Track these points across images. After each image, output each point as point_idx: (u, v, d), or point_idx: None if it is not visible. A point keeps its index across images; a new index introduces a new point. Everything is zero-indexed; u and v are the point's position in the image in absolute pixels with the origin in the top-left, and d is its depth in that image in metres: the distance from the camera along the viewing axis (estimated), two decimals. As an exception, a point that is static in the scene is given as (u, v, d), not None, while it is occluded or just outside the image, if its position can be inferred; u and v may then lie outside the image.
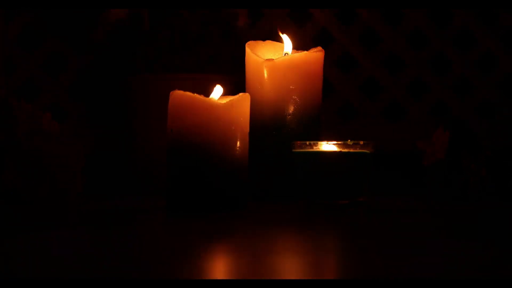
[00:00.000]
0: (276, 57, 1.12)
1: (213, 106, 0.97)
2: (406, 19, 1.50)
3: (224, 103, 0.98)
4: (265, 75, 1.09)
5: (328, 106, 1.48)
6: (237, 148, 0.98)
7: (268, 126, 1.10)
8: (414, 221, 0.93)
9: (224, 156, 0.97)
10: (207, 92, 1.01)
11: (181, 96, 0.97)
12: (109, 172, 1.37)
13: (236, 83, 1.25)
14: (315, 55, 1.11)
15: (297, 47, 1.14)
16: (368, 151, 0.99)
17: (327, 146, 0.99)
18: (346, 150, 0.98)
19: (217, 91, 1.01)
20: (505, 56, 1.51)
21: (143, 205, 1.11)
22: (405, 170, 1.38)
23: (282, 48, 1.14)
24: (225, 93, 1.02)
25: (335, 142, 0.99)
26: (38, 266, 0.63)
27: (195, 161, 0.97)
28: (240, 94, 1.00)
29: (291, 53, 1.12)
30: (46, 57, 1.45)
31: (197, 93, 0.98)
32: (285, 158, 1.06)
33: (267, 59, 1.10)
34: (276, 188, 1.11)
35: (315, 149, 0.99)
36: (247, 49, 1.12)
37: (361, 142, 0.98)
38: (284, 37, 1.13)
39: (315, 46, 1.12)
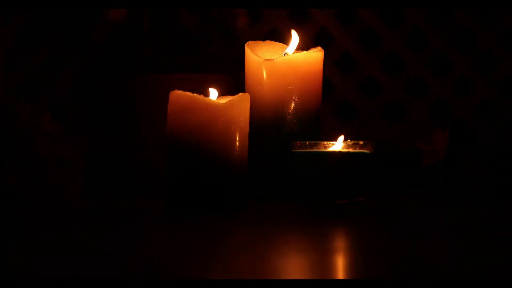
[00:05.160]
0: (275, 57, 1.11)
1: (213, 106, 0.97)
2: (406, 19, 1.50)
3: (224, 103, 0.98)
4: (265, 75, 1.09)
5: (328, 106, 1.48)
6: (237, 148, 0.98)
7: (268, 126, 1.10)
8: (414, 221, 0.93)
9: (224, 156, 0.97)
10: (207, 92, 1.01)
11: (181, 96, 0.97)
12: (109, 172, 1.37)
13: (236, 83, 1.25)
14: (315, 55, 1.11)
15: (297, 47, 1.14)
16: (368, 151, 0.99)
17: (327, 146, 0.99)
18: (346, 150, 0.98)
19: (213, 94, 1.01)
20: (505, 56, 1.51)
21: (143, 205, 1.11)
22: (405, 170, 1.38)
23: (282, 48, 1.14)
24: (225, 93, 1.02)
25: (335, 142, 0.99)
26: (38, 266, 0.63)
27: (195, 161, 0.97)
28: (240, 94, 1.00)
29: (291, 53, 1.12)
30: (46, 57, 1.45)
31: (197, 93, 0.98)
32: (285, 158, 1.06)
33: (266, 59, 1.10)
34: (276, 188, 1.11)
35: (314, 149, 0.99)
36: (247, 49, 1.12)
37: (361, 142, 0.98)
38: (293, 33, 1.12)
39: (315, 46, 1.12)
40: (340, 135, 1.00)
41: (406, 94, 1.51)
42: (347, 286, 0.56)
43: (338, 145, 0.99)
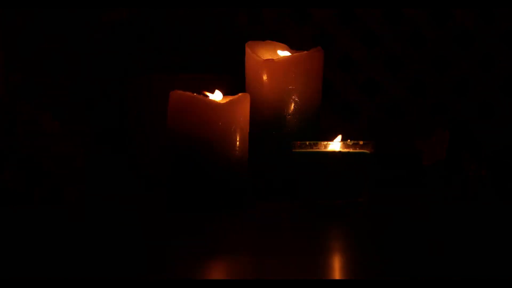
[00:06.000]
0: (275, 57, 1.12)
1: (213, 106, 0.97)
2: (406, 19, 1.50)
3: (224, 103, 0.98)
4: (265, 75, 1.09)
5: (328, 106, 1.48)
6: (237, 148, 0.98)
7: (268, 126, 1.10)
8: (414, 221, 0.93)
9: (224, 156, 0.97)
10: (209, 92, 1.01)
11: (181, 96, 0.97)
12: (109, 172, 1.37)
13: (236, 83, 1.25)
14: (315, 55, 1.11)
15: (297, 47, 1.14)
16: (368, 151, 0.99)
17: (327, 146, 0.99)
18: (346, 150, 0.98)
19: (217, 95, 1.01)
20: (505, 56, 1.51)
21: (143, 205, 1.11)
22: (405, 170, 1.38)
23: (282, 48, 1.14)
24: (225, 93, 1.02)
25: (334, 142, 0.99)
26: (38, 266, 0.63)
27: (195, 161, 0.97)
28: (240, 94, 1.00)
29: (291, 53, 1.12)
30: (47, 57, 1.45)
31: (197, 93, 0.98)
32: (285, 158, 1.06)
33: (267, 59, 1.10)
34: (276, 188, 1.11)
35: (314, 149, 0.99)
36: (247, 49, 1.12)
37: (361, 142, 0.98)
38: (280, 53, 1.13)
39: (315, 46, 1.12)
40: (339, 134, 1.00)
41: (406, 94, 1.51)
42: (347, 286, 0.56)
43: (337, 145, 0.99)
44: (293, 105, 1.10)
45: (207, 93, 1.00)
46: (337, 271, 0.62)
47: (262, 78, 1.10)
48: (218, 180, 0.97)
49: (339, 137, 0.99)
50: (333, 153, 0.98)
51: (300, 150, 1.00)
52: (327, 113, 1.48)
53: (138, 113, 1.31)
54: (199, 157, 0.96)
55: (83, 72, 1.45)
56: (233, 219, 0.93)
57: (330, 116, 1.49)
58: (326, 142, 0.99)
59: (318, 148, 0.99)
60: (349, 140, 0.98)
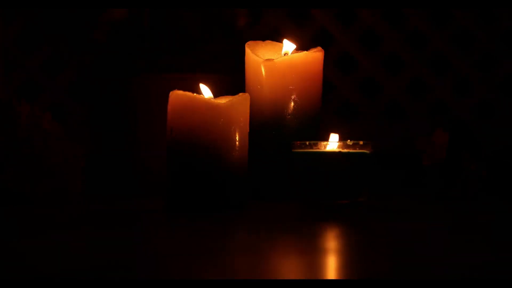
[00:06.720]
0: (276, 57, 1.12)
1: (213, 106, 0.97)
2: (406, 19, 1.51)
3: (224, 103, 0.98)
4: (265, 75, 1.09)
5: (328, 106, 1.48)
6: (237, 148, 0.98)
7: (268, 126, 1.10)
8: (414, 221, 0.93)
9: (224, 156, 0.97)
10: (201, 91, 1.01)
11: (181, 96, 0.97)
12: (109, 172, 1.37)
13: (236, 83, 1.25)
14: (315, 55, 1.11)
15: (297, 47, 1.14)
16: (368, 151, 0.99)
17: (327, 146, 0.99)
18: (346, 150, 0.98)
19: (204, 91, 1.01)
20: (505, 56, 1.51)
21: (143, 205, 1.11)
22: (405, 170, 1.38)
23: (282, 48, 1.14)
24: (225, 93, 1.02)
25: (334, 142, 0.99)
26: (38, 266, 0.63)
27: (195, 161, 0.97)
28: (240, 94, 1.00)
29: (291, 53, 1.12)
30: (46, 57, 1.45)
31: (197, 93, 0.98)
32: (284, 158, 1.06)
33: (266, 59, 1.10)
34: (276, 188, 1.11)
35: (314, 149, 0.99)
36: (247, 49, 1.12)
37: (361, 142, 0.98)
38: (285, 41, 1.13)
39: (315, 46, 1.12)
40: (339, 134, 1.00)
41: (406, 94, 1.51)
42: (347, 286, 0.56)
43: (337, 145, 0.99)
44: (293, 105, 1.10)
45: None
46: (336, 271, 0.62)
47: (262, 78, 1.10)
48: (217, 180, 0.97)
49: (336, 136, 0.99)
50: (333, 153, 0.98)
51: (300, 150, 1.00)
52: (327, 113, 1.48)
53: (138, 113, 1.31)
54: (198, 157, 0.97)
55: (83, 72, 1.44)
56: (233, 219, 0.93)
57: (330, 116, 1.49)
58: (326, 142, 0.99)
59: (318, 148, 0.99)
60: (349, 140, 0.98)
